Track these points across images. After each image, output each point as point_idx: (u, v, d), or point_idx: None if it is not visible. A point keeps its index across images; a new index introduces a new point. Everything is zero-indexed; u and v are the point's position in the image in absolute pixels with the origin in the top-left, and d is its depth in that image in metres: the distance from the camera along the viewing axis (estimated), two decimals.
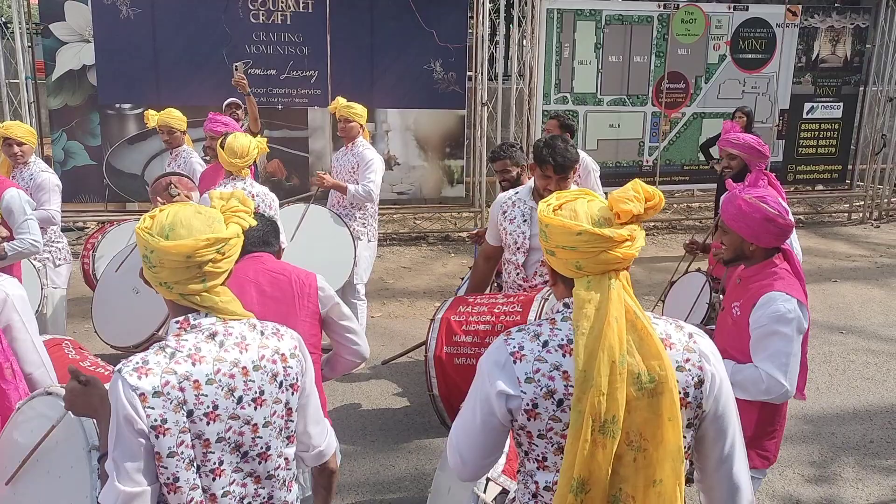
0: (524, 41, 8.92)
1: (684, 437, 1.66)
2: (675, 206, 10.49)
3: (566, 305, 1.72)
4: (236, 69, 6.79)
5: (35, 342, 2.58)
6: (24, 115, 7.78)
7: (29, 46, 8.03)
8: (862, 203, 10.69)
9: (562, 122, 5.42)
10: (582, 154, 5.46)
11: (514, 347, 1.67)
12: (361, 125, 5.53)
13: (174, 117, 5.66)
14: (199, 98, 7.79)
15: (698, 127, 9.60)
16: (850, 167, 10.54)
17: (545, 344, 1.66)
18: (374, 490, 3.92)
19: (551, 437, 1.65)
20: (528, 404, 1.63)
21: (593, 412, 1.56)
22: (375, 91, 8.50)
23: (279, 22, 8.17)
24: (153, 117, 5.70)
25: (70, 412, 1.94)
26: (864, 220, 10.64)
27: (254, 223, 1.84)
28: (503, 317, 3.39)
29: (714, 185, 7.98)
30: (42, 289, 4.60)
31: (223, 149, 4.22)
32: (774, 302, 2.57)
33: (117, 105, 8.10)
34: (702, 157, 9.33)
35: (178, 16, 7.96)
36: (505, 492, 2.17)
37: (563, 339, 1.66)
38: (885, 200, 10.69)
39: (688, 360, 1.67)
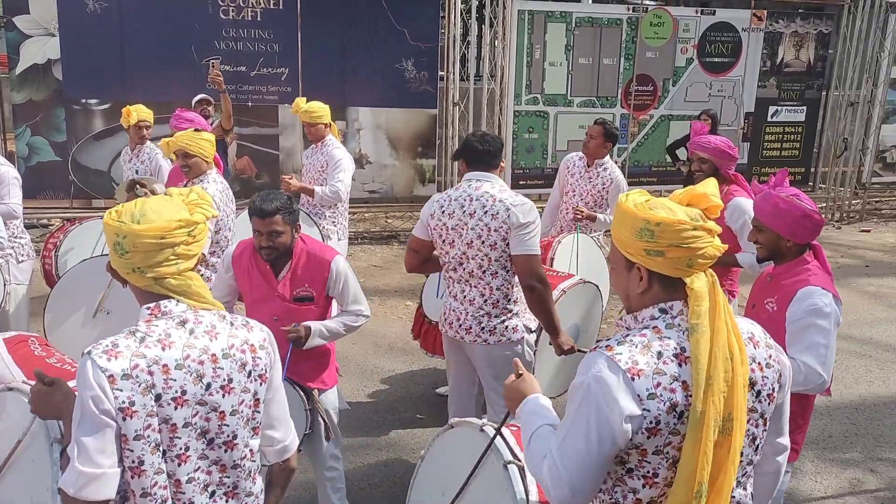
0: (496, 42, 8.98)
1: (765, 431, 1.71)
2: None
3: (663, 311, 1.66)
4: (213, 66, 6.70)
5: None
6: None
7: None
8: (824, 205, 10.94)
9: (607, 129, 5.18)
10: (618, 173, 5.28)
11: (628, 362, 1.57)
12: (327, 123, 5.52)
13: (146, 112, 5.63)
14: (166, 94, 7.71)
15: (666, 129, 9.74)
16: (812, 170, 10.78)
17: (659, 355, 1.59)
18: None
19: (667, 452, 1.59)
20: (651, 422, 1.56)
21: (715, 412, 1.53)
22: (347, 89, 8.49)
23: (249, 18, 8.12)
24: (133, 113, 5.65)
25: (37, 417, 1.94)
26: (826, 221, 10.88)
27: (216, 214, 1.88)
28: None
29: (681, 186, 8.10)
30: (5, 285, 4.52)
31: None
32: (812, 296, 2.60)
33: (83, 100, 7.98)
34: (669, 159, 9.47)
35: (147, 10, 7.86)
36: None
37: (675, 348, 1.60)
38: (846, 202, 10.95)
39: (770, 356, 1.70)
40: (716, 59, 9.71)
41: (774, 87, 10.14)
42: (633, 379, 1.56)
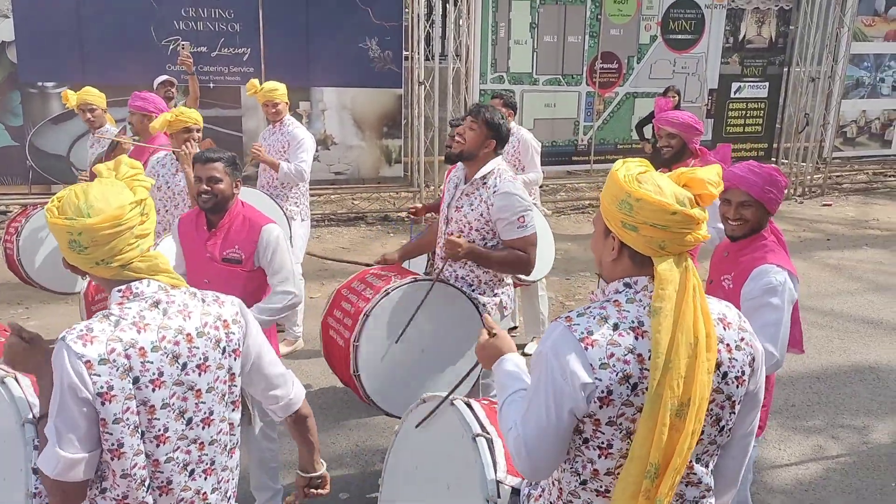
0: (460, 20, 8.92)
1: (732, 414, 1.69)
2: None
3: (627, 285, 1.66)
4: (182, 48, 6.66)
5: None
6: None
7: None
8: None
9: (505, 100, 5.42)
10: (523, 131, 5.52)
11: (582, 333, 1.59)
12: (286, 102, 5.46)
13: (94, 95, 5.43)
14: (126, 76, 7.52)
15: (630, 106, 9.80)
16: (775, 145, 10.94)
17: (615, 327, 1.59)
18: None
19: (621, 423, 1.59)
20: (602, 391, 1.56)
21: (672, 396, 1.53)
22: (311, 69, 8.38)
23: None
24: (72, 97, 5.47)
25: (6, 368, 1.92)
26: (788, 196, 11.07)
27: (152, 182, 1.83)
28: (360, 302, 3.42)
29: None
30: None
31: None
32: (767, 274, 2.60)
33: (39, 83, 7.76)
34: (635, 136, 9.53)
35: None
36: (516, 491, 2.09)
37: (633, 322, 1.60)
38: (808, 177, 11.14)
39: (742, 339, 1.69)
40: (679, 36, 9.77)
41: (737, 63, 10.24)
42: (586, 349, 1.57)
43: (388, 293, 3.31)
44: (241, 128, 8.40)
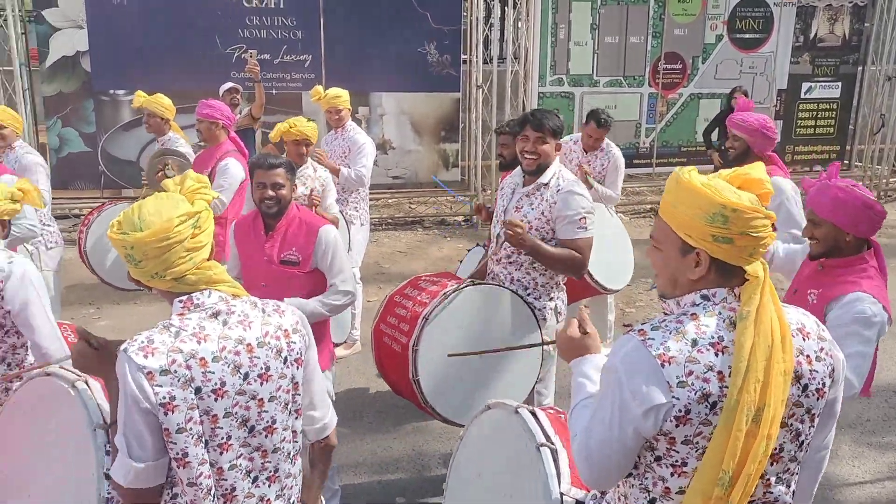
0: (519, 22, 8.86)
1: (812, 427, 1.63)
2: None
3: (705, 298, 1.59)
4: (250, 56, 6.88)
5: (49, 317, 2.67)
6: (18, 102, 7.73)
7: (22, 33, 7.97)
8: (861, 183, 10.67)
9: (600, 121, 5.17)
10: (615, 150, 5.45)
11: (659, 349, 1.52)
12: (348, 108, 5.52)
13: (159, 103, 5.56)
14: (192, 83, 7.74)
15: (695, 108, 9.56)
16: (848, 147, 10.51)
17: (694, 343, 1.52)
18: (371, 471, 3.93)
19: (697, 442, 1.53)
20: (680, 410, 1.50)
21: (749, 400, 1.48)
22: (369, 75, 8.45)
23: (272, 6, 8.12)
24: (140, 97, 5.64)
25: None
26: None
27: (215, 195, 1.85)
28: (416, 307, 3.39)
29: (711, 167, 7.95)
30: None
31: None
32: (861, 303, 2.49)
33: (111, 91, 8.06)
34: (699, 139, 9.30)
35: (172, 1, 7.90)
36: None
37: (713, 337, 1.53)
38: (884, 181, 10.66)
39: (822, 350, 1.62)
40: (746, 36, 9.49)
41: (808, 62, 9.89)
42: (662, 366, 1.51)
43: (448, 296, 3.30)
44: None
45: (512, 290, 3.39)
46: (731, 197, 1.54)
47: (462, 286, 3.35)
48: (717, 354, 1.52)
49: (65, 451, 2.10)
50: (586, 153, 5.35)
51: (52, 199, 5.48)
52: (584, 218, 3.29)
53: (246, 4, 8.03)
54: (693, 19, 9.27)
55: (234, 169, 4.70)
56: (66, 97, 7.97)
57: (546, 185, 3.34)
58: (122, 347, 1.67)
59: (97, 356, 1.84)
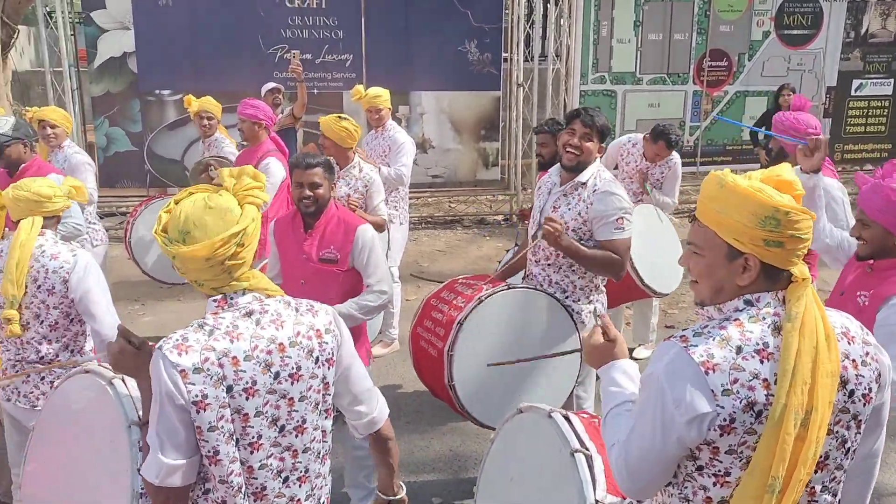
0: (561, 20, 8.79)
1: (858, 434, 1.59)
2: None
3: (749, 303, 1.56)
4: (293, 56, 6.98)
5: (109, 307, 2.86)
6: (67, 102, 7.92)
7: (71, 35, 8.19)
8: None
9: (669, 141, 5.06)
10: (677, 159, 5.29)
11: (702, 356, 1.48)
12: (389, 108, 5.53)
13: (213, 104, 5.75)
14: (235, 83, 7.85)
15: (741, 105, 9.37)
16: None
17: (739, 350, 1.48)
18: (408, 470, 3.93)
19: (742, 452, 1.49)
20: (724, 419, 1.46)
21: (797, 403, 1.44)
22: (410, 73, 8.47)
23: (314, 6, 8.18)
24: (194, 103, 5.78)
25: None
26: None
27: (267, 198, 1.84)
28: (451, 311, 3.35)
29: (758, 166, 7.78)
30: None
31: None
32: None
33: (157, 91, 8.22)
34: (745, 137, 9.12)
35: (215, 2, 8.02)
36: None
37: (758, 343, 1.49)
38: None
39: (867, 354, 1.58)
40: (795, 32, 9.26)
41: (859, 59, 9.61)
42: (707, 374, 1.46)
43: (482, 300, 3.27)
44: None
45: (549, 293, 3.35)
46: (781, 199, 1.51)
47: (497, 290, 3.32)
48: (762, 361, 1.48)
49: (101, 446, 2.14)
50: (646, 160, 5.25)
51: (99, 196, 5.62)
52: (622, 218, 3.23)
53: (288, 5, 8.11)
54: (739, 15, 9.07)
55: (275, 168, 4.75)
56: (114, 97, 8.15)
57: (583, 184, 3.29)
58: (158, 345, 1.69)
59: (135, 355, 1.85)
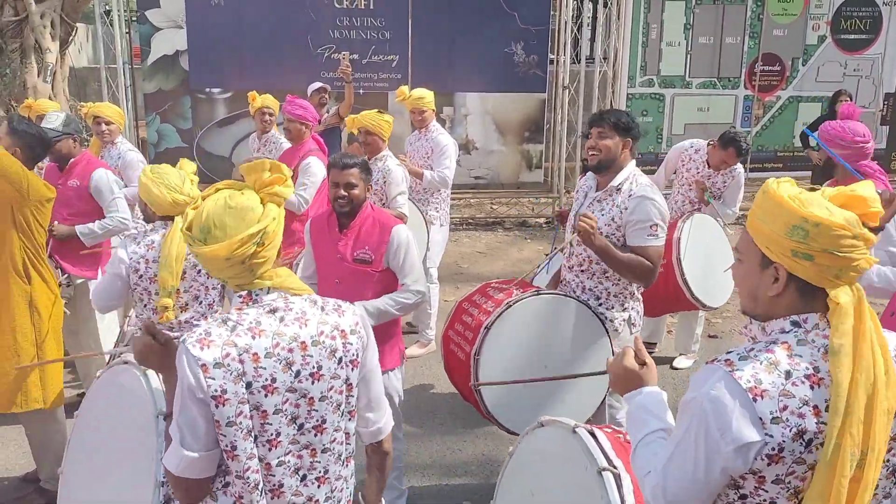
0: (609, 22, 8.69)
1: None
2: None
3: (796, 325, 1.49)
4: (343, 57, 7.14)
5: None
6: (121, 98, 8.15)
7: (126, 33, 8.41)
8: None
9: (739, 148, 4.88)
10: (740, 169, 5.12)
11: (749, 381, 1.41)
12: (433, 109, 5.54)
13: (273, 101, 5.94)
14: (283, 82, 7.94)
15: (794, 111, 9.13)
16: None
17: (788, 375, 1.42)
18: (440, 473, 3.93)
19: (789, 482, 1.43)
20: (773, 448, 1.40)
21: (852, 444, 1.38)
22: (455, 75, 8.47)
23: (362, 7, 8.24)
24: (258, 99, 5.95)
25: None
26: None
27: (290, 193, 1.81)
28: (480, 315, 3.32)
29: (809, 173, 7.59)
30: None
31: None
32: None
33: (207, 89, 8.37)
34: (797, 143, 8.89)
35: (265, 2, 8.15)
36: None
37: (807, 368, 1.43)
38: None
39: None
40: (852, 36, 8.98)
41: None
42: (754, 400, 1.40)
43: (511, 306, 3.25)
44: None
45: (580, 300, 3.30)
46: (816, 211, 1.43)
47: (525, 295, 3.29)
48: (812, 387, 1.41)
49: (133, 434, 2.20)
50: (709, 168, 5.04)
51: None
52: (657, 226, 3.17)
53: (337, 5, 8.19)
54: (794, 19, 8.84)
55: (316, 167, 4.81)
56: (165, 94, 8.33)
57: (618, 189, 3.24)
58: (182, 338, 1.70)
59: (160, 351, 1.87)
